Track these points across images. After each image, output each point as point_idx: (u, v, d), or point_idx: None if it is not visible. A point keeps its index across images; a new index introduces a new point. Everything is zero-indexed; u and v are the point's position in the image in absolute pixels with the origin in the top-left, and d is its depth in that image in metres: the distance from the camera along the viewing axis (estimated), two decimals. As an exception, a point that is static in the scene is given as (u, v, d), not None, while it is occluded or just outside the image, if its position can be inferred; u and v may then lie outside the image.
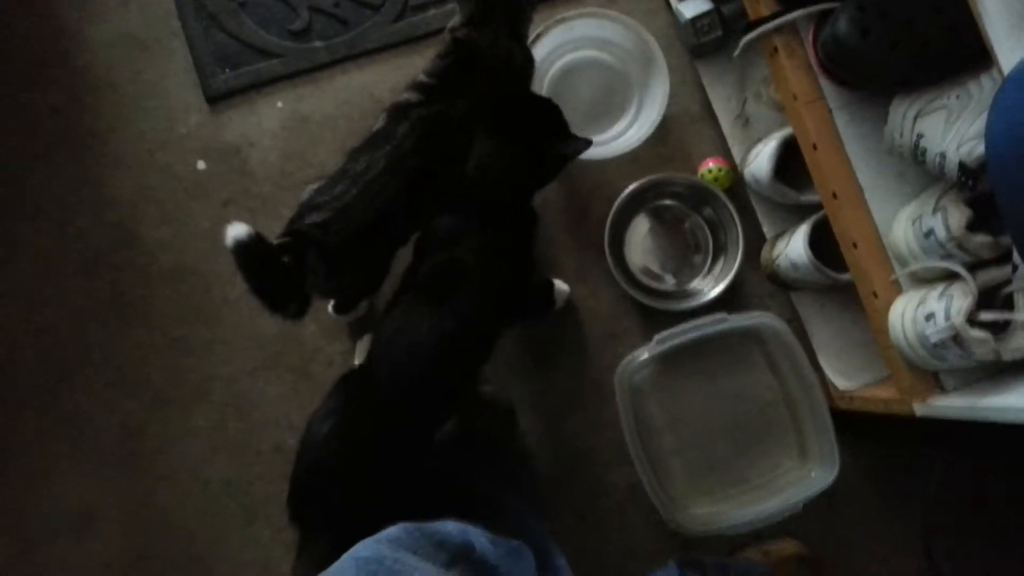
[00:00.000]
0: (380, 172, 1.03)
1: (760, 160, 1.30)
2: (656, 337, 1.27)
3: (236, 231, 0.94)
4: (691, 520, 1.28)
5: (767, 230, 1.38)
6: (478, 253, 1.09)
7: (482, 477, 1.21)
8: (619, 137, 1.42)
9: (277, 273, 0.99)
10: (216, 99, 1.47)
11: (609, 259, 1.36)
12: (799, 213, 1.30)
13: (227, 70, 1.47)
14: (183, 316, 1.42)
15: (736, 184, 1.40)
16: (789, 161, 1.27)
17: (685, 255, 1.42)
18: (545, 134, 1.13)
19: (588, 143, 1.13)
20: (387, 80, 1.48)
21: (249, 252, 0.95)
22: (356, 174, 1.04)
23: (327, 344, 1.41)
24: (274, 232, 1.03)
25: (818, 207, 1.20)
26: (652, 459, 1.30)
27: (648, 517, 1.33)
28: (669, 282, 1.40)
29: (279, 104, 1.48)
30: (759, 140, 1.35)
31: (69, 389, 1.40)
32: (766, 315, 1.29)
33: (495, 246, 1.11)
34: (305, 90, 1.49)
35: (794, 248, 1.26)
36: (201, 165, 1.46)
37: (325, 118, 1.47)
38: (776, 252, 1.31)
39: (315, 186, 1.06)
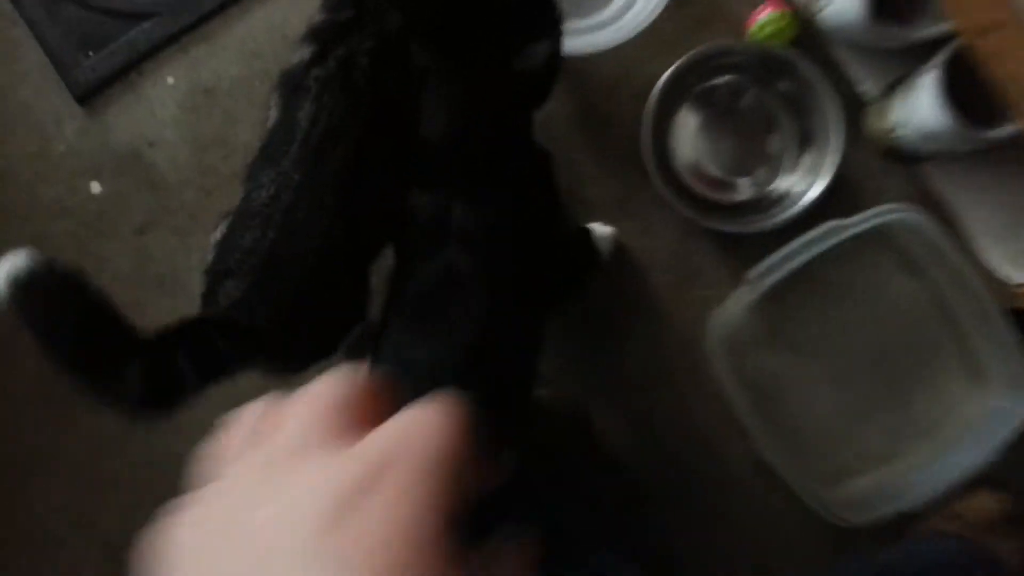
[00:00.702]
0: (297, 189, 0.67)
1: (844, -7, 0.90)
2: (749, 275, 0.91)
3: (10, 265, 0.58)
4: (849, 499, 0.96)
5: (866, 89, 0.98)
6: (475, 243, 0.73)
7: (556, 507, 0.90)
8: (625, 11, 1.01)
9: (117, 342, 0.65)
10: (88, 95, 1.09)
11: (656, 177, 0.98)
12: (909, 58, 0.91)
13: (90, 53, 1.08)
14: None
15: (802, 36, 1.00)
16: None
17: (757, 147, 1.02)
18: (514, 36, 0.74)
19: (554, 38, 0.74)
20: (302, 7, 1.08)
21: (40, 297, 0.59)
22: (264, 204, 0.67)
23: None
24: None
25: (938, 43, 0.80)
26: (776, 428, 0.96)
27: (792, 503, 1.00)
28: (744, 190, 1.02)
29: (170, 80, 1.09)
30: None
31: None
32: (895, 208, 0.91)
33: (497, 219, 0.75)
34: (198, 52, 1.09)
35: (920, 106, 0.87)
36: (95, 188, 1.10)
37: (234, 83, 1.09)
38: (891, 117, 0.92)
39: (219, 233, 0.71)
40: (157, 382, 0.63)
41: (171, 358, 0.64)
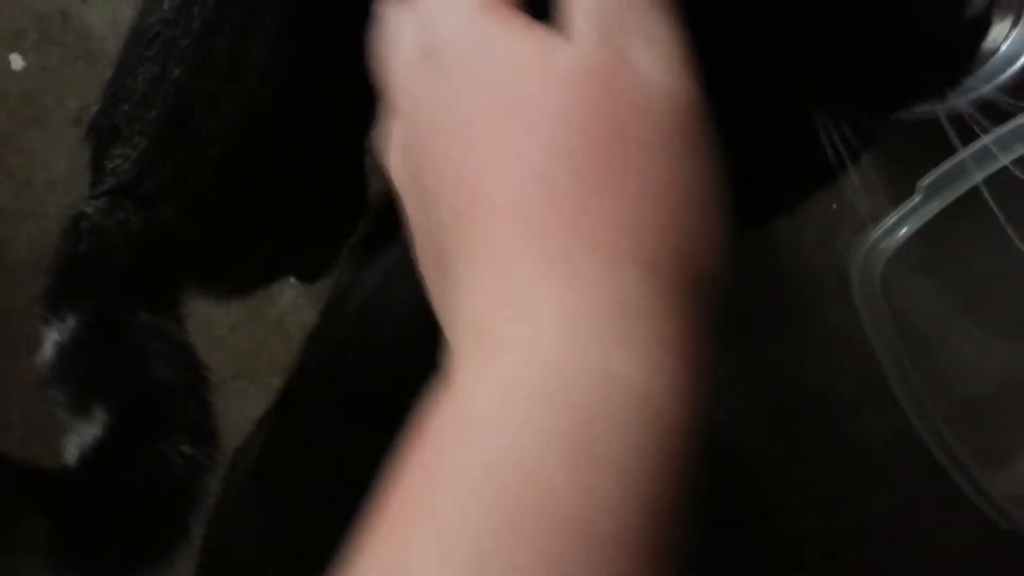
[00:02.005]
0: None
1: None
2: (923, 184, 0.64)
3: None
4: (1020, 490, 0.71)
5: None
6: None
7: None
8: None
9: None
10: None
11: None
12: None
13: None
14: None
15: None
16: None
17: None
18: None
19: None
20: None
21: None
22: (165, 22, 0.43)
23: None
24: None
25: None
26: (933, 388, 0.71)
27: (939, 490, 0.74)
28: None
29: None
30: None
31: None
32: None
33: None
34: None
35: None
36: (16, 62, 0.84)
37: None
38: None
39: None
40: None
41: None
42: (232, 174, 0.46)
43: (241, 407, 0.82)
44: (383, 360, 0.47)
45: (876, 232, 0.67)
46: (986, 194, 0.57)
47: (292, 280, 0.79)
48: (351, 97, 0.50)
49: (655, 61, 0.25)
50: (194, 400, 0.43)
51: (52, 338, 0.41)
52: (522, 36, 0.26)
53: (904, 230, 0.66)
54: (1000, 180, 0.64)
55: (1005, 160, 0.62)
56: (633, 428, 0.22)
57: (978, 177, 0.63)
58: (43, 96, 0.84)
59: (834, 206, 0.75)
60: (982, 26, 0.43)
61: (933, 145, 0.65)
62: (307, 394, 0.50)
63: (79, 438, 0.39)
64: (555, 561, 0.20)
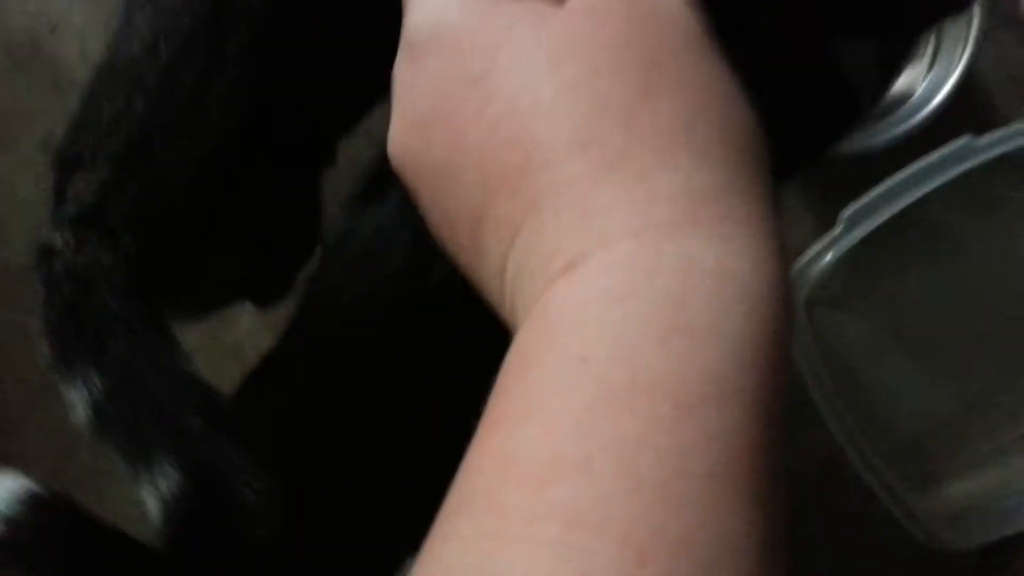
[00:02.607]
0: (188, 39, 0.44)
1: None
2: (845, 215, 0.68)
3: None
4: (947, 511, 0.74)
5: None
6: None
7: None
8: None
9: None
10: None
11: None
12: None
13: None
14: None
15: None
16: None
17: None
18: None
19: None
20: None
21: None
22: (133, 58, 0.45)
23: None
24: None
25: None
26: (860, 412, 0.74)
27: (869, 511, 0.78)
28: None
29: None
30: None
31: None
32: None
33: None
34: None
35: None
36: (-16, 90, 0.86)
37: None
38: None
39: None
40: None
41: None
42: (190, 203, 0.49)
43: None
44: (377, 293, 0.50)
45: (800, 263, 0.71)
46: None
47: (249, 306, 0.82)
48: (308, 131, 0.54)
49: None
50: (229, 429, 0.43)
51: (82, 399, 0.41)
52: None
53: (827, 259, 0.70)
54: (918, 210, 0.69)
55: (919, 193, 0.67)
56: (720, 300, 0.23)
57: (894, 208, 0.68)
58: (11, 122, 0.86)
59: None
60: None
61: (856, 181, 0.70)
62: (307, 330, 0.54)
63: (155, 490, 0.40)
64: (660, 425, 0.21)
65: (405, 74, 0.30)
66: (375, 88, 0.39)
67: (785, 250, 0.25)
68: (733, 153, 0.26)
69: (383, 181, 0.50)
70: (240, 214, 0.52)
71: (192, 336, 0.84)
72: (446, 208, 0.29)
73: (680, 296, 0.23)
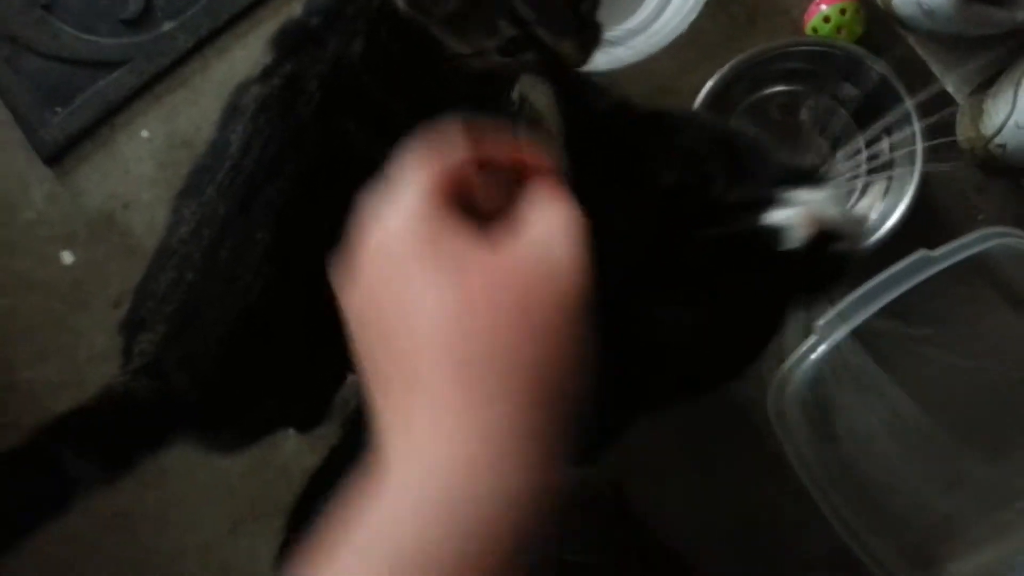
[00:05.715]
0: (224, 224, 0.54)
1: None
2: (820, 324, 0.75)
3: None
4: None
5: (955, 89, 0.81)
6: None
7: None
8: (656, 17, 0.87)
9: None
10: (57, 156, 0.98)
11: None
12: (1009, 46, 0.74)
13: (58, 108, 0.98)
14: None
15: (872, 29, 0.84)
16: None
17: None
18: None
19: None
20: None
21: None
22: (182, 240, 0.55)
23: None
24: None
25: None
26: (857, 502, 0.78)
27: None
28: (806, 219, 0.85)
29: (144, 134, 0.98)
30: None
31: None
32: (995, 233, 0.74)
33: None
34: (174, 100, 0.98)
35: None
36: (67, 258, 0.98)
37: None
38: (991, 121, 0.76)
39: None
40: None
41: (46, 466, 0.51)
42: (231, 351, 0.58)
43: (251, 548, 0.93)
44: None
45: (783, 374, 0.77)
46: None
47: (292, 432, 0.91)
48: (326, 287, 0.64)
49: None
50: None
51: None
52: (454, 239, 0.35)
53: (809, 362, 0.76)
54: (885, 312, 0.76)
55: (885, 300, 0.74)
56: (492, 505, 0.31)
57: (866, 314, 0.74)
58: (89, 284, 0.98)
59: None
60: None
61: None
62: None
63: None
64: None
65: (345, 278, 0.39)
66: None
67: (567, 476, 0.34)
68: (549, 395, 0.34)
69: None
70: (274, 357, 0.61)
71: (245, 460, 0.94)
72: (369, 358, 0.37)
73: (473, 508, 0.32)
